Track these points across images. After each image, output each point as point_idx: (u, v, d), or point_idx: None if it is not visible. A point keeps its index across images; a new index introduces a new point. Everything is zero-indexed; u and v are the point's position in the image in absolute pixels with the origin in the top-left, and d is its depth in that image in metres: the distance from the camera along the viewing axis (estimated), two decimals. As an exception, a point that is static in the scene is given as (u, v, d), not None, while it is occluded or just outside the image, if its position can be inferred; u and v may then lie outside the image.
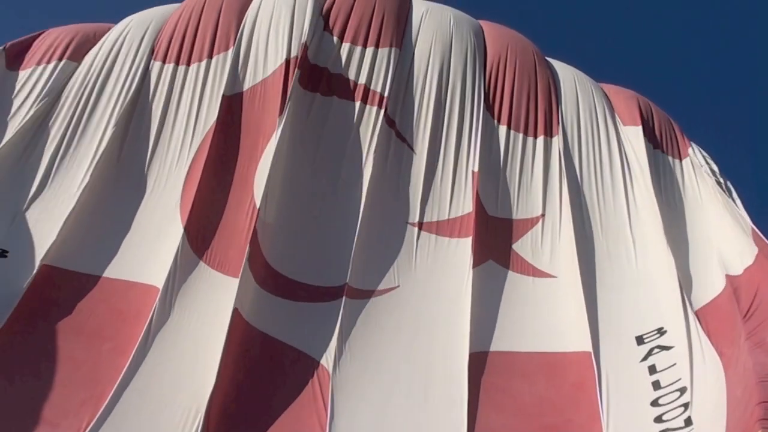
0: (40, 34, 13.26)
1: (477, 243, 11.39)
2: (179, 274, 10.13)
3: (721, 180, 13.71)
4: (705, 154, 14.45)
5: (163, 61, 12.61)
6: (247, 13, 13.08)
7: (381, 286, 10.82)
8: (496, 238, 11.75)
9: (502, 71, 13.50)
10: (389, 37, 13.06)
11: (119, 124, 11.88)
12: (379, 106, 12.41)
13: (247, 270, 10.12)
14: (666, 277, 11.31)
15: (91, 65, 12.69)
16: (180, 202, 11.14)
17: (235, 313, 9.61)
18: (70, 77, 12.47)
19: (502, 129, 12.93)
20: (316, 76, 12.47)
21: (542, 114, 13.27)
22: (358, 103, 12.43)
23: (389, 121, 12.43)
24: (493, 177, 12.43)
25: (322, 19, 12.96)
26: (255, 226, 10.56)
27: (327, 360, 9.71)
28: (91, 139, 11.82)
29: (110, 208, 11.14)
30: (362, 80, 12.61)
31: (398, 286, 10.91)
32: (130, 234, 10.88)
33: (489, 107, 13.06)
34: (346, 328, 10.11)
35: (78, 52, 12.86)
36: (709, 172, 13.67)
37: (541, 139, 13.03)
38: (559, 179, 12.59)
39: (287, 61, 12.31)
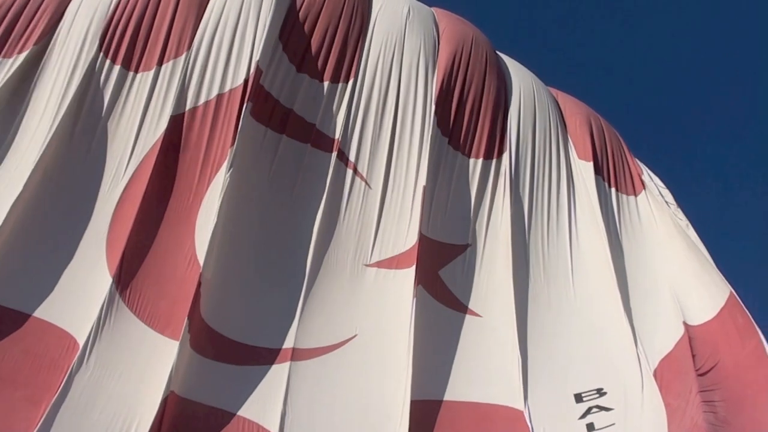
0: None
1: (417, 270, 10.91)
2: (104, 323, 9.39)
3: (677, 212, 13.34)
4: (658, 181, 14.14)
5: (113, 61, 11.28)
6: (207, 10, 11.76)
7: (336, 340, 10.33)
8: (425, 261, 11.19)
9: (453, 82, 12.74)
10: (346, 66, 12.21)
11: (57, 132, 10.56)
12: (332, 149, 11.66)
13: (186, 334, 9.43)
14: (613, 333, 11.22)
15: (47, 49, 11.28)
16: (108, 234, 10.17)
17: (171, 394, 9.00)
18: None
19: (444, 143, 12.29)
20: (268, 108, 11.53)
21: (486, 135, 12.65)
22: (308, 146, 11.64)
23: (342, 156, 11.69)
24: (429, 193, 11.78)
25: (280, 40, 11.87)
26: (198, 280, 9.74)
27: (272, 425, 9.33)
28: (28, 144, 10.59)
29: (39, 229, 10.10)
30: (314, 120, 11.81)
31: (356, 336, 10.44)
32: (55, 263, 9.89)
33: (438, 119, 12.31)
34: (294, 391, 9.69)
35: (44, 32, 11.41)
36: (665, 203, 13.40)
37: (479, 162, 12.43)
38: (489, 209, 12.10)
39: (245, 82, 11.25)
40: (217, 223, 10.14)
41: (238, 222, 10.53)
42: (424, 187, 11.54)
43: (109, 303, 9.54)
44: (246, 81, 11.20)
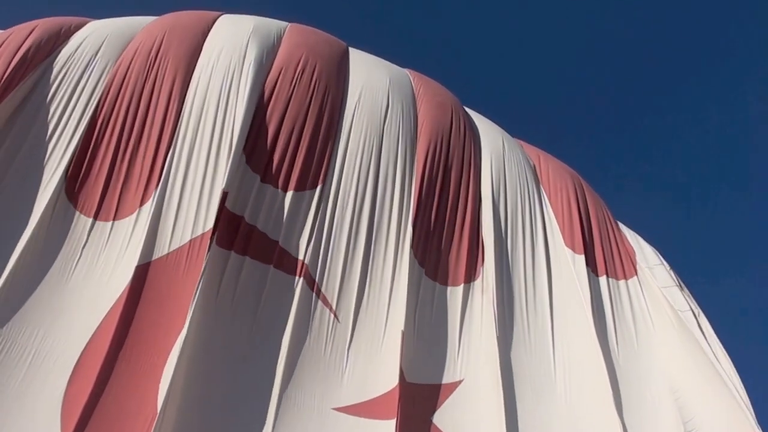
0: None
1: (400, 423, 9.90)
2: None
3: (682, 296, 12.15)
4: (655, 260, 13.11)
5: (82, 211, 10.62)
6: (175, 139, 11.05)
7: None
8: (414, 412, 10.24)
9: (430, 198, 11.87)
10: (313, 171, 11.38)
11: (12, 277, 9.82)
12: (296, 272, 10.78)
13: None
14: None
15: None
16: (65, 393, 9.39)
17: None
18: None
19: (422, 274, 11.40)
20: (232, 229, 10.70)
21: (465, 257, 11.74)
22: (270, 267, 10.75)
23: (310, 281, 10.79)
24: (410, 335, 10.82)
25: (243, 151, 11.08)
26: None
27: None
28: None
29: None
30: (278, 237, 10.93)
31: None
32: (5, 423, 9.17)
33: (414, 249, 11.42)
34: None
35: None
36: (673, 284, 12.32)
37: (461, 288, 11.52)
38: (474, 335, 11.16)
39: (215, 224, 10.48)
40: (175, 376, 9.36)
41: (198, 371, 9.71)
42: (403, 332, 10.59)
43: None
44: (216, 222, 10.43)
